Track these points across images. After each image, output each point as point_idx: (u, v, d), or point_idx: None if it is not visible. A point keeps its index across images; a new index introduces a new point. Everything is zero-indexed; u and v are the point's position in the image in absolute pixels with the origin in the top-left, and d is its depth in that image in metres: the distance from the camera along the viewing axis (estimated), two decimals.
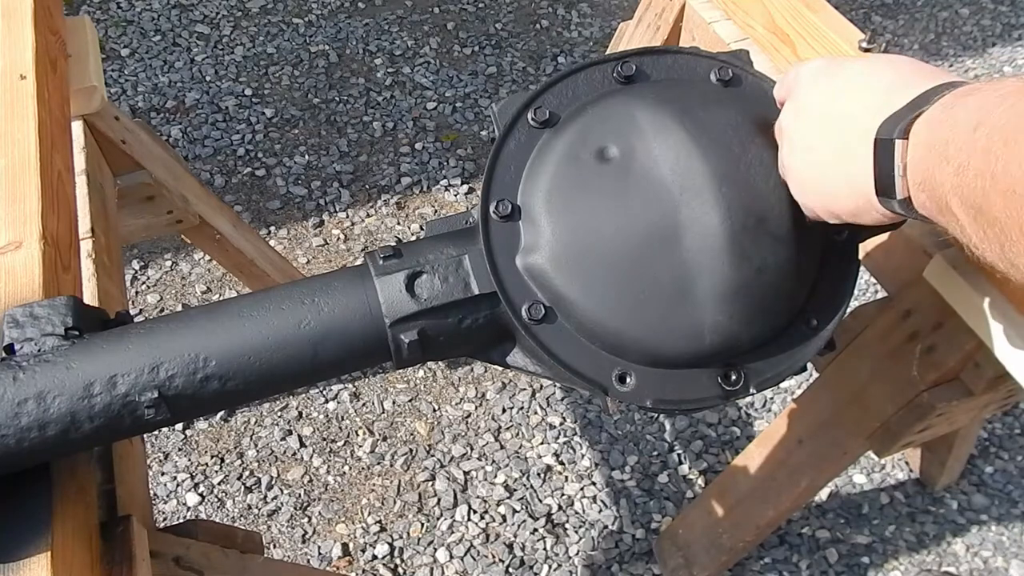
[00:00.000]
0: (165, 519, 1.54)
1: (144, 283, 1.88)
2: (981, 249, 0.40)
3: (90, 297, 0.83)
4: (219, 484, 1.58)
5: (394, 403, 1.70)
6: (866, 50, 0.86)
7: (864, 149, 0.46)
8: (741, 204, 0.54)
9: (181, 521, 1.31)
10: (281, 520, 1.54)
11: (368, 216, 2.01)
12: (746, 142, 0.56)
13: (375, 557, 1.50)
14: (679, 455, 1.64)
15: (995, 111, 0.37)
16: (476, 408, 1.69)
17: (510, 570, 1.48)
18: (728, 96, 0.60)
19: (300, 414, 1.68)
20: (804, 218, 0.56)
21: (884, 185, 0.45)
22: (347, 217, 2.01)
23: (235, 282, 1.83)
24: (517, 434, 1.66)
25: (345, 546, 1.52)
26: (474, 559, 1.49)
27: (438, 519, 1.55)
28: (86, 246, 0.86)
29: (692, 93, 0.59)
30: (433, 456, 1.63)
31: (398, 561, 1.50)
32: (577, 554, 1.51)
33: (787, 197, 0.55)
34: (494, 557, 1.50)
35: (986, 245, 0.39)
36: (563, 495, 1.58)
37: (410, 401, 1.71)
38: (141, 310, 1.83)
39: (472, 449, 1.64)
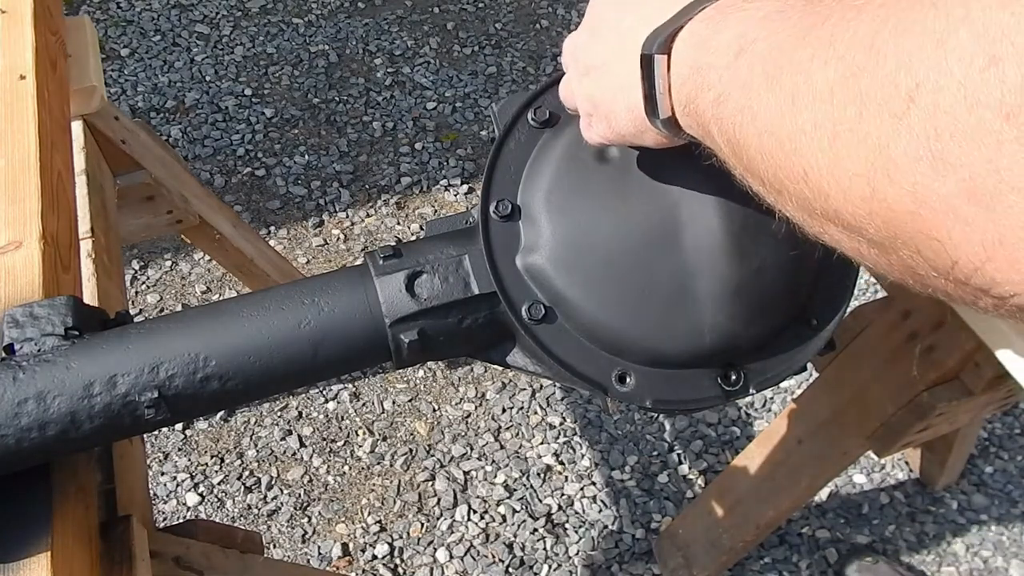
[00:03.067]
0: (165, 519, 1.54)
1: (144, 283, 1.88)
2: (744, 180, 0.38)
3: (90, 297, 0.83)
4: (219, 484, 1.58)
5: (394, 403, 1.70)
6: None
7: (636, 67, 0.43)
8: (741, 203, 0.54)
9: (181, 521, 1.31)
10: (281, 520, 1.54)
11: (368, 216, 2.01)
12: None
13: (375, 557, 1.50)
14: (679, 455, 1.64)
15: (758, 37, 0.35)
16: (476, 408, 1.69)
17: (510, 570, 1.48)
18: None
19: (300, 414, 1.68)
20: None
21: (651, 104, 0.42)
22: (347, 217, 2.01)
23: (235, 282, 1.83)
24: (517, 434, 1.66)
25: (345, 546, 1.52)
26: (474, 559, 1.49)
27: (438, 519, 1.55)
28: (86, 246, 0.87)
29: None
30: (433, 456, 1.63)
31: (398, 561, 1.50)
32: (577, 554, 1.51)
33: None
34: (494, 557, 1.50)
35: (747, 179, 0.37)
36: (563, 495, 1.58)
37: (410, 401, 1.71)
38: (141, 310, 1.83)
39: (472, 449, 1.64)
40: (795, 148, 0.31)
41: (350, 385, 1.72)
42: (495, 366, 1.27)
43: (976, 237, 0.25)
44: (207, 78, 2.30)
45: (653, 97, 0.42)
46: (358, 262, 0.64)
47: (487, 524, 1.54)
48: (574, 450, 1.64)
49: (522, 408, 1.69)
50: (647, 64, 0.41)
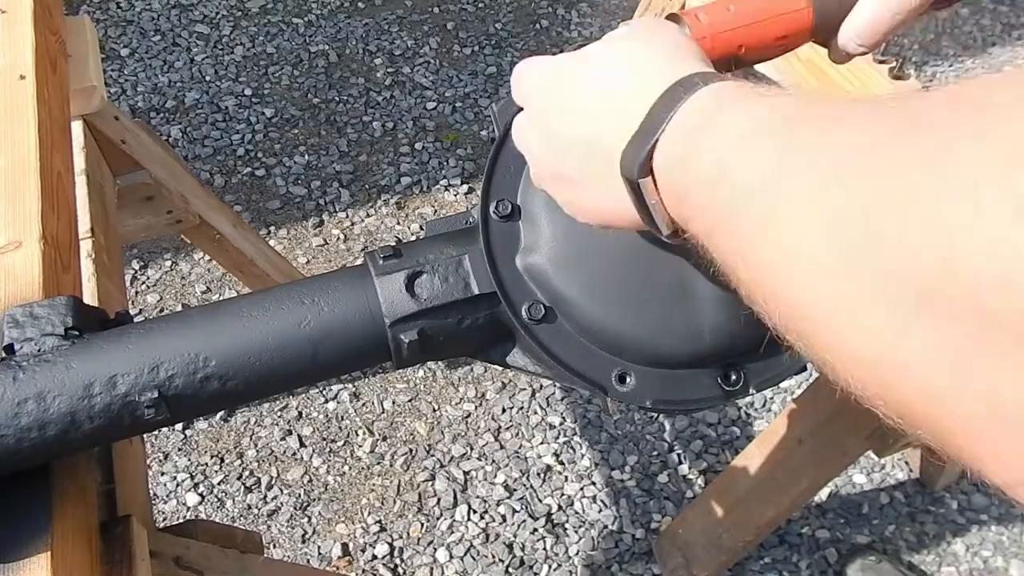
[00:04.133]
0: (165, 519, 1.54)
1: (144, 283, 1.88)
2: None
3: (90, 297, 0.83)
4: (219, 484, 1.58)
5: (394, 403, 1.70)
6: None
7: (618, 181, 0.40)
8: None
9: (181, 521, 1.31)
10: (281, 520, 1.54)
11: (368, 216, 2.01)
12: None
13: (375, 557, 1.50)
14: (679, 455, 1.64)
15: (734, 166, 0.31)
16: (476, 408, 1.69)
17: (510, 570, 1.48)
18: None
19: (300, 414, 1.68)
20: None
21: (649, 222, 0.39)
22: (347, 217, 2.01)
23: (235, 282, 1.83)
24: (517, 434, 1.66)
25: (345, 546, 1.52)
26: (474, 559, 1.49)
27: (438, 519, 1.55)
28: (86, 246, 0.86)
29: None
30: (433, 456, 1.63)
31: (398, 561, 1.50)
32: (577, 554, 1.51)
33: None
34: (494, 557, 1.50)
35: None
36: (563, 495, 1.58)
37: (410, 401, 1.71)
38: (141, 310, 1.83)
39: (472, 449, 1.64)
40: (796, 313, 0.29)
41: (350, 385, 1.72)
42: (495, 366, 1.27)
43: (1005, 459, 0.22)
44: (207, 78, 2.30)
45: (651, 217, 0.39)
46: (358, 262, 0.64)
47: (487, 524, 1.54)
48: (574, 450, 1.64)
49: (522, 408, 1.69)
50: (631, 188, 0.39)
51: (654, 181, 0.37)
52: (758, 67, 0.64)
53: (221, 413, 1.67)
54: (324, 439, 1.65)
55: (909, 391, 0.24)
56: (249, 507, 1.56)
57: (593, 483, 1.59)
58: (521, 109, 0.48)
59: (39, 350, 0.50)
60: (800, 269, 0.28)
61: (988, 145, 0.21)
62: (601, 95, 0.41)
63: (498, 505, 1.56)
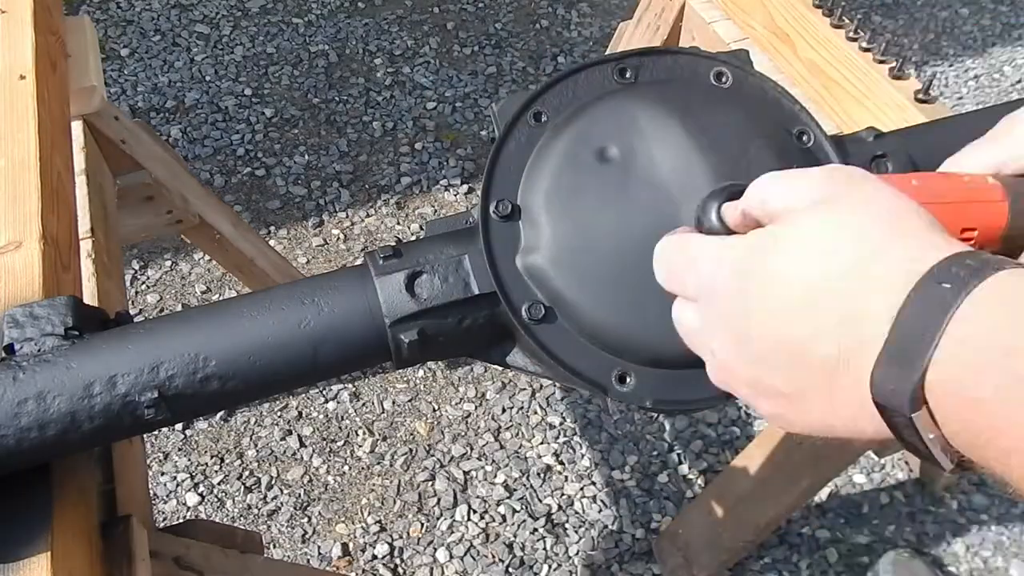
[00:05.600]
0: (165, 519, 1.54)
1: (144, 283, 1.88)
2: None
3: (90, 297, 0.83)
4: (219, 484, 1.58)
5: (394, 403, 1.70)
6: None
7: (856, 398, 0.32)
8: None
9: (181, 521, 1.31)
10: (281, 520, 1.54)
11: (368, 216, 2.01)
12: (746, 143, 0.56)
13: (375, 557, 1.50)
14: (679, 455, 1.64)
15: None
16: (476, 408, 1.69)
17: (510, 570, 1.48)
18: (728, 97, 0.60)
19: (300, 414, 1.68)
20: None
21: (920, 454, 0.32)
22: (347, 217, 2.01)
23: (235, 282, 1.83)
24: (517, 434, 1.66)
25: (345, 546, 1.52)
26: (474, 559, 1.49)
27: (438, 519, 1.55)
28: (86, 246, 0.86)
29: (692, 94, 0.59)
30: (433, 456, 1.63)
31: (398, 561, 1.50)
32: (577, 554, 1.51)
33: None
34: (494, 557, 1.50)
35: None
36: (563, 495, 1.58)
37: (410, 401, 1.71)
38: (141, 310, 1.83)
39: (472, 449, 1.64)
40: None
41: (350, 385, 1.72)
42: (495, 366, 1.26)
43: None
44: (207, 78, 2.30)
45: (926, 454, 0.31)
46: (358, 262, 0.64)
47: (487, 524, 1.54)
48: (574, 450, 1.63)
49: (522, 408, 1.69)
50: (892, 419, 0.31)
51: (929, 411, 0.29)
52: (756, 65, 0.65)
53: (221, 413, 1.67)
54: (324, 439, 1.65)
55: None
56: (249, 507, 1.56)
57: (593, 483, 1.59)
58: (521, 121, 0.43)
59: (39, 350, 0.50)
60: None
61: None
62: (806, 291, 0.32)
63: (498, 505, 1.56)
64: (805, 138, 0.62)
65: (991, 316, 0.27)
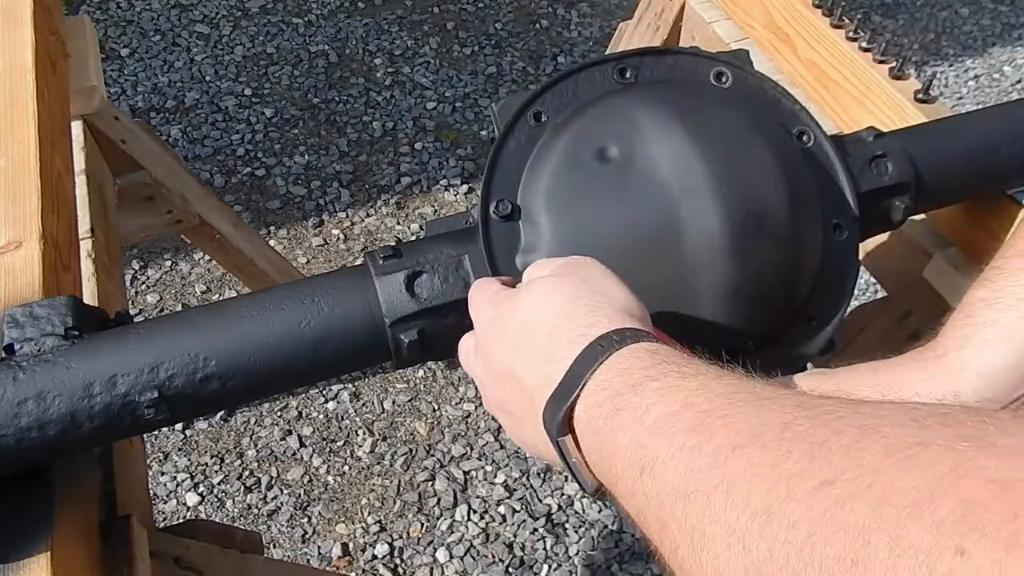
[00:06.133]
0: (165, 519, 1.54)
1: (144, 283, 1.88)
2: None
3: (90, 297, 0.83)
4: (219, 484, 1.58)
5: (394, 403, 1.70)
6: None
7: (542, 425, 0.40)
8: (741, 204, 0.54)
9: (181, 521, 1.31)
10: (281, 520, 1.54)
11: (368, 216, 2.01)
12: (746, 143, 0.56)
13: (375, 557, 1.50)
14: None
15: (661, 456, 0.31)
16: (476, 408, 1.69)
17: (510, 570, 1.48)
18: (728, 97, 0.60)
19: (300, 414, 1.68)
20: (804, 218, 0.56)
21: (575, 477, 0.39)
22: (347, 217, 2.01)
23: (235, 282, 1.83)
24: None
25: (345, 546, 1.52)
26: (474, 559, 1.49)
27: (438, 519, 1.55)
28: (86, 246, 0.86)
29: (693, 94, 0.59)
30: (433, 456, 1.63)
31: (398, 561, 1.50)
32: (577, 554, 1.51)
33: (787, 197, 0.55)
34: (494, 557, 1.50)
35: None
36: (563, 495, 1.58)
37: (410, 401, 1.71)
38: (141, 310, 1.83)
39: (472, 449, 1.64)
40: None
41: (350, 385, 1.72)
42: None
43: None
44: (207, 78, 2.30)
45: (574, 474, 0.39)
46: (358, 262, 0.64)
47: (487, 524, 1.54)
48: None
49: None
50: (554, 442, 0.39)
51: (575, 439, 0.38)
52: (756, 65, 0.65)
53: (221, 413, 1.67)
54: (324, 439, 1.65)
55: None
56: (249, 507, 1.56)
57: None
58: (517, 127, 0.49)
59: (39, 350, 0.50)
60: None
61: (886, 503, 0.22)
62: (523, 337, 0.42)
63: (498, 505, 1.56)
64: (805, 138, 0.62)
65: (612, 371, 0.36)
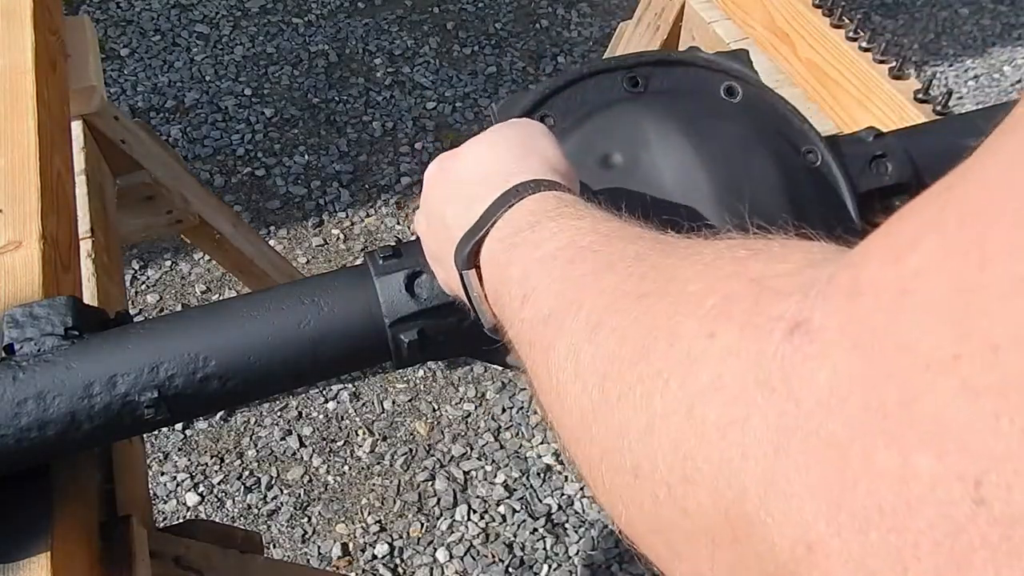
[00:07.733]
0: (165, 519, 1.54)
1: (144, 283, 1.88)
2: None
3: (90, 297, 0.83)
4: (219, 484, 1.58)
5: (394, 403, 1.70)
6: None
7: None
8: (742, 215, 0.54)
9: (181, 521, 1.31)
10: (281, 520, 1.54)
11: (368, 216, 2.01)
12: (749, 155, 0.56)
13: (375, 557, 1.50)
14: None
15: (540, 285, 0.34)
16: (476, 408, 1.69)
17: (510, 570, 1.48)
18: (735, 110, 0.60)
19: (300, 414, 1.68)
20: (806, 230, 0.56)
21: (475, 313, 0.43)
22: (347, 217, 2.01)
23: (235, 282, 1.83)
24: (517, 434, 1.66)
25: (345, 546, 1.52)
26: (474, 559, 1.49)
27: (438, 519, 1.55)
28: (86, 246, 0.86)
29: (700, 106, 0.59)
30: (433, 456, 1.63)
31: (398, 561, 1.50)
32: (577, 554, 1.51)
33: (789, 209, 0.55)
34: (494, 557, 1.50)
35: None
36: (563, 495, 1.58)
37: (410, 401, 1.71)
38: (141, 310, 1.83)
39: (472, 449, 1.64)
40: (568, 446, 0.31)
41: (350, 385, 1.72)
42: (495, 366, 1.27)
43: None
44: (207, 78, 2.30)
45: (475, 308, 0.42)
46: (358, 262, 0.64)
47: (487, 524, 1.54)
48: None
49: (522, 408, 1.69)
50: (461, 279, 0.42)
51: (479, 276, 0.41)
52: (756, 65, 0.65)
53: (221, 413, 1.67)
54: (324, 439, 1.65)
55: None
56: (249, 507, 1.56)
57: None
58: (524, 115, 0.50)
59: (39, 350, 0.50)
60: (566, 415, 0.30)
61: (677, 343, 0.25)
62: (456, 187, 0.45)
63: (498, 505, 1.56)
64: (812, 157, 0.62)
65: (520, 211, 0.39)
